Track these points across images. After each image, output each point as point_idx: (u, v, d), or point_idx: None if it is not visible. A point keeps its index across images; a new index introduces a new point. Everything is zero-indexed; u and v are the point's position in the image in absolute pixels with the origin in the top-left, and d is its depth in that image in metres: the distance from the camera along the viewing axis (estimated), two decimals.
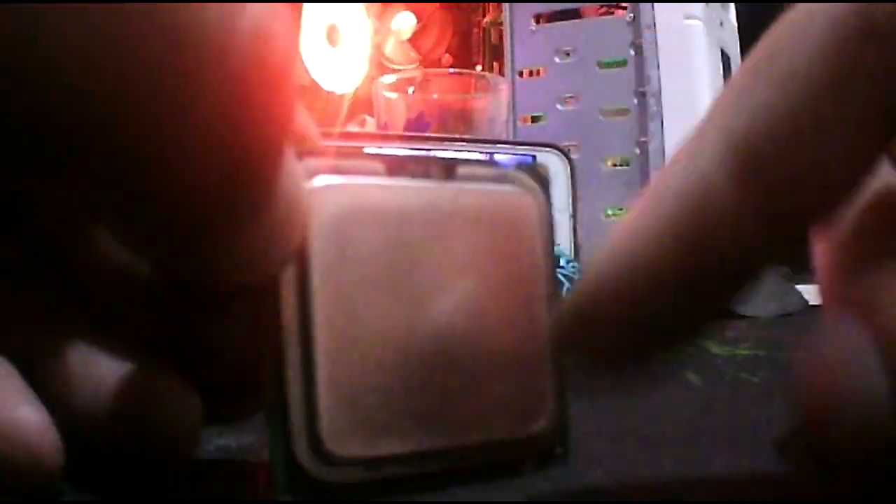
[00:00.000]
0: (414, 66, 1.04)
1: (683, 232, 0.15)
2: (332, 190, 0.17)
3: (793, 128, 0.14)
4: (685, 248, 0.15)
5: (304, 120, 0.19)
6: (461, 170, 0.19)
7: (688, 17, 0.82)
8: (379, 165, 0.18)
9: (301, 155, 0.17)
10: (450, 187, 0.19)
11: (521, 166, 0.20)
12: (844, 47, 0.14)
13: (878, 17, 0.14)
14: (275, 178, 0.15)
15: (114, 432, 0.18)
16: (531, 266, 0.20)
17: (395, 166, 0.18)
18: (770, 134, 0.14)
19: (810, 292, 0.64)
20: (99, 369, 0.18)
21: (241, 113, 0.13)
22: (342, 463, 0.17)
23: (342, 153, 0.18)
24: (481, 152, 0.63)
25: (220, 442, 0.22)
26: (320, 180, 0.17)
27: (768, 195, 0.14)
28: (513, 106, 0.85)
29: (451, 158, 0.20)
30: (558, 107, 0.86)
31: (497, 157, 0.64)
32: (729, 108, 0.15)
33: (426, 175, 0.19)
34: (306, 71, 0.87)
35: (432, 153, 0.59)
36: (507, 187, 0.20)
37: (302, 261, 0.17)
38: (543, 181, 0.20)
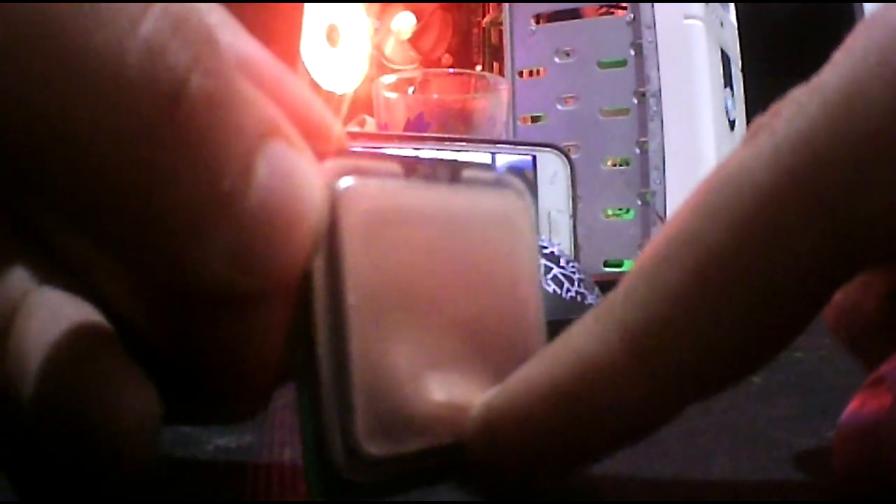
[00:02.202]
0: (414, 66, 1.04)
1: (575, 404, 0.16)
2: (363, 190, 0.17)
3: (687, 324, 0.15)
4: (576, 415, 0.16)
5: (326, 119, 0.19)
6: (466, 173, 0.20)
7: (688, 17, 0.82)
8: (397, 167, 0.18)
9: (325, 155, 0.17)
10: (459, 190, 0.19)
11: (511, 170, 0.21)
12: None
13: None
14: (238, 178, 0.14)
15: (35, 401, 0.15)
16: (527, 264, 0.21)
17: (409, 168, 0.19)
18: (664, 325, 0.15)
19: None
20: (41, 313, 0.16)
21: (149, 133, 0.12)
22: (376, 462, 0.17)
23: (361, 154, 0.18)
24: (482, 152, 0.63)
25: (220, 442, 0.22)
26: (349, 180, 0.17)
27: (657, 378, 0.16)
28: (513, 106, 0.85)
29: (457, 162, 0.20)
30: (558, 107, 0.86)
31: (495, 158, 0.63)
32: (628, 295, 0.16)
33: (435, 177, 0.19)
34: (306, 71, 0.87)
35: (436, 154, 0.59)
36: (504, 191, 0.20)
37: (333, 260, 0.17)
38: (530, 185, 0.21)
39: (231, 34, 0.18)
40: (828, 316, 0.20)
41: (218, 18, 0.17)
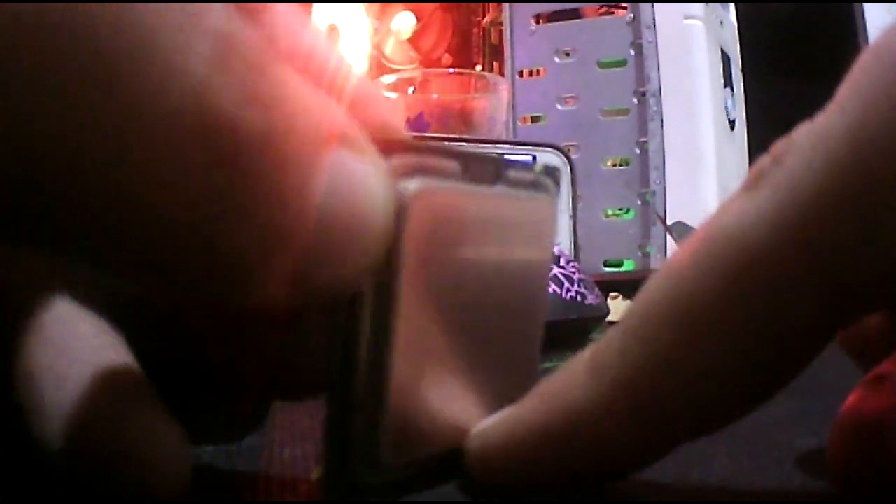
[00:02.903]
0: (414, 66, 1.04)
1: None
2: (429, 195, 0.16)
3: (682, 381, 0.15)
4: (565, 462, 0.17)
5: (391, 112, 0.18)
6: (510, 173, 0.19)
7: (688, 17, 0.82)
8: (456, 165, 0.17)
9: (388, 151, 0.15)
10: (503, 193, 0.18)
11: (544, 170, 0.20)
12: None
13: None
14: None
15: (68, 449, 0.15)
16: (542, 270, 0.21)
17: (465, 165, 0.17)
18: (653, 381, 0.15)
19: None
20: (76, 352, 0.16)
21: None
22: (392, 468, 0.17)
23: (423, 149, 0.16)
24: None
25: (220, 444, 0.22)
26: (416, 182, 0.16)
27: (650, 430, 0.16)
28: (513, 106, 0.85)
29: (504, 160, 0.19)
30: (558, 107, 0.86)
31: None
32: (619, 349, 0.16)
33: (483, 176, 0.18)
34: None
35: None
36: (538, 195, 0.20)
37: (388, 269, 0.15)
38: (559, 184, 0.21)
39: (292, 19, 0.17)
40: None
41: (287, 11, 0.17)
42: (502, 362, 0.20)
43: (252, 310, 0.14)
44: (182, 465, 0.15)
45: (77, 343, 0.16)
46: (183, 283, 0.13)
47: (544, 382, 0.18)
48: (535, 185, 0.20)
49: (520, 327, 0.20)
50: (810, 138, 0.15)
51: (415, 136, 0.64)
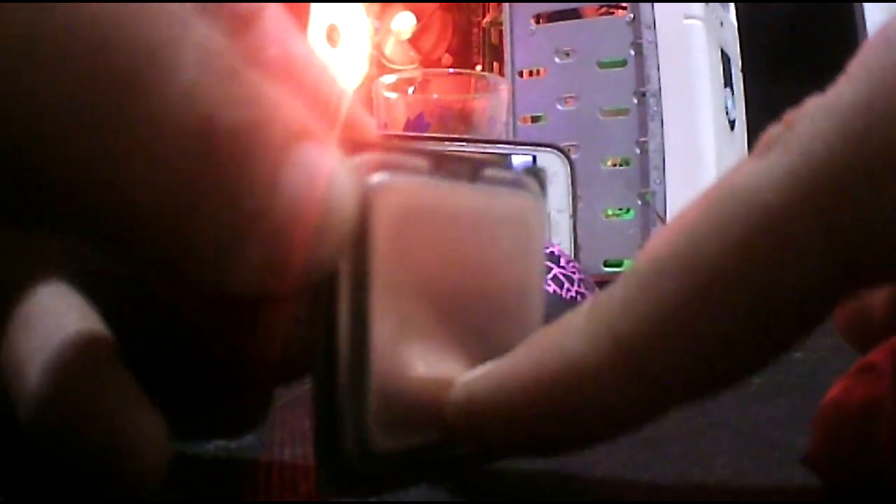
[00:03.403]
0: (414, 66, 1.04)
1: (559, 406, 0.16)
2: (393, 188, 0.17)
3: (683, 336, 0.15)
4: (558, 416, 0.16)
5: (360, 112, 0.19)
6: (487, 172, 0.19)
7: (688, 17, 0.82)
8: (423, 162, 0.18)
9: (360, 148, 0.17)
10: (482, 189, 0.19)
11: (527, 171, 0.21)
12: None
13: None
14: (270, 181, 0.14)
15: (35, 418, 0.16)
16: (534, 265, 0.21)
17: (435, 163, 0.18)
18: (653, 335, 0.15)
19: None
20: (52, 327, 0.17)
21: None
22: (385, 455, 0.17)
23: (392, 147, 0.18)
24: (482, 152, 0.63)
25: (220, 442, 0.22)
26: (381, 176, 0.17)
27: (647, 385, 0.16)
28: (513, 106, 0.85)
29: (480, 160, 0.20)
30: (558, 107, 0.86)
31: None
32: (618, 307, 0.16)
33: (458, 174, 0.19)
34: None
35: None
36: (521, 191, 0.20)
37: (360, 257, 0.17)
38: (544, 185, 0.21)
39: (281, 31, 0.18)
40: (838, 317, 0.20)
41: (273, 14, 0.18)
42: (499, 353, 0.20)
43: (232, 294, 0.15)
44: (159, 454, 0.16)
45: (61, 332, 0.17)
46: (167, 264, 0.14)
47: (540, 331, 0.17)
48: (516, 184, 0.20)
49: (515, 322, 0.20)
50: (821, 107, 0.15)
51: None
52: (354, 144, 0.17)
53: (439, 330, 0.18)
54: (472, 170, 0.19)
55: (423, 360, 0.18)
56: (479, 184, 0.19)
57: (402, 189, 0.17)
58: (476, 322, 0.19)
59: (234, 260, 0.14)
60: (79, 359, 0.16)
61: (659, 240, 0.16)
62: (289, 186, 0.14)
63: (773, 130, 0.15)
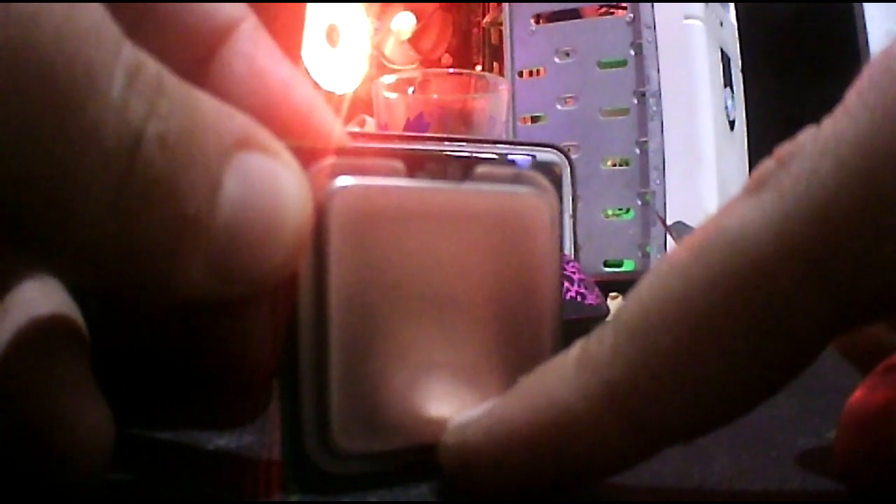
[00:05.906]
0: (414, 66, 1.04)
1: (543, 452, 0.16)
2: (353, 192, 0.17)
3: (675, 385, 0.15)
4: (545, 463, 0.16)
5: (327, 118, 0.19)
6: (479, 170, 0.19)
7: (688, 17, 0.82)
8: (399, 164, 0.18)
9: (323, 154, 0.17)
10: (467, 188, 0.19)
11: (536, 165, 0.20)
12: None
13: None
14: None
15: None
16: (542, 267, 0.20)
17: (415, 165, 0.18)
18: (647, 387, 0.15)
19: None
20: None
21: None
22: (350, 457, 0.17)
23: (364, 151, 0.18)
24: (482, 152, 0.63)
25: (220, 442, 0.22)
26: (341, 181, 0.17)
27: (640, 431, 0.16)
28: (513, 106, 0.85)
29: (470, 157, 0.19)
30: (558, 107, 0.86)
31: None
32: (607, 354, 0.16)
33: (444, 174, 0.19)
34: (307, 72, 0.87)
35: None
36: (521, 188, 0.20)
37: (319, 261, 0.17)
38: (556, 180, 0.20)
39: (251, 45, 0.19)
40: (836, 341, 0.20)
41: (249, 24, 0.19)
42: (502, 359, 0.19)
43: (181, 299, 0.15)
44: (101, 443, 0.16)
45: (29, 325, 0.17)
46: (112, 272, 0.14)
47: (528, 377, 0.17)
48: (514, 180, 0.20)
49: (521, 325, 0.20)
50: (818, 144, 0.14)
51: (413, 137, 0.64)
52: (313, 152, 0.17)
53: (406, 332, 0.18)
54: (460, 169, 0.19)
55: (386, 363, 0.18)
56: (470, 183, 0.19)
57: (366, 193, 0.17)
58: (453, 324, 0.19)
59: (177, 266, 0.14)
60: (28, 343, 0.17)
61: (648, 282, 0.16)
62: (229, 193, 0.15)
63: (765, 165, 0.15)
